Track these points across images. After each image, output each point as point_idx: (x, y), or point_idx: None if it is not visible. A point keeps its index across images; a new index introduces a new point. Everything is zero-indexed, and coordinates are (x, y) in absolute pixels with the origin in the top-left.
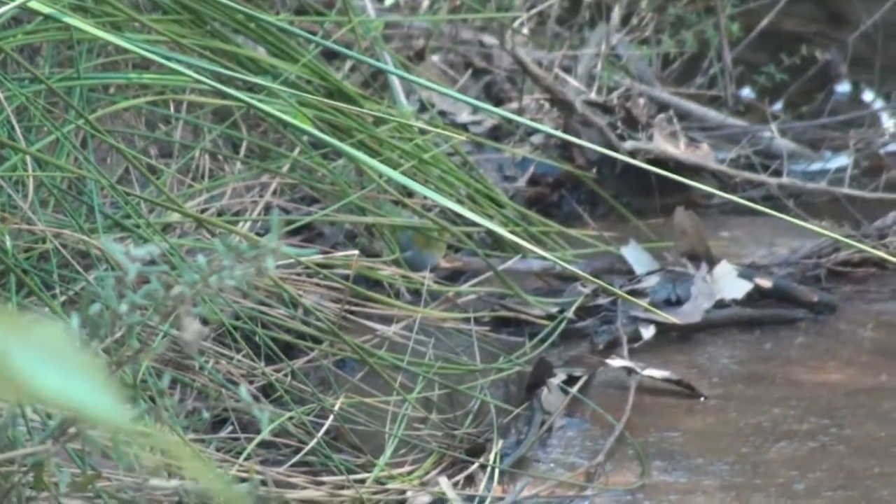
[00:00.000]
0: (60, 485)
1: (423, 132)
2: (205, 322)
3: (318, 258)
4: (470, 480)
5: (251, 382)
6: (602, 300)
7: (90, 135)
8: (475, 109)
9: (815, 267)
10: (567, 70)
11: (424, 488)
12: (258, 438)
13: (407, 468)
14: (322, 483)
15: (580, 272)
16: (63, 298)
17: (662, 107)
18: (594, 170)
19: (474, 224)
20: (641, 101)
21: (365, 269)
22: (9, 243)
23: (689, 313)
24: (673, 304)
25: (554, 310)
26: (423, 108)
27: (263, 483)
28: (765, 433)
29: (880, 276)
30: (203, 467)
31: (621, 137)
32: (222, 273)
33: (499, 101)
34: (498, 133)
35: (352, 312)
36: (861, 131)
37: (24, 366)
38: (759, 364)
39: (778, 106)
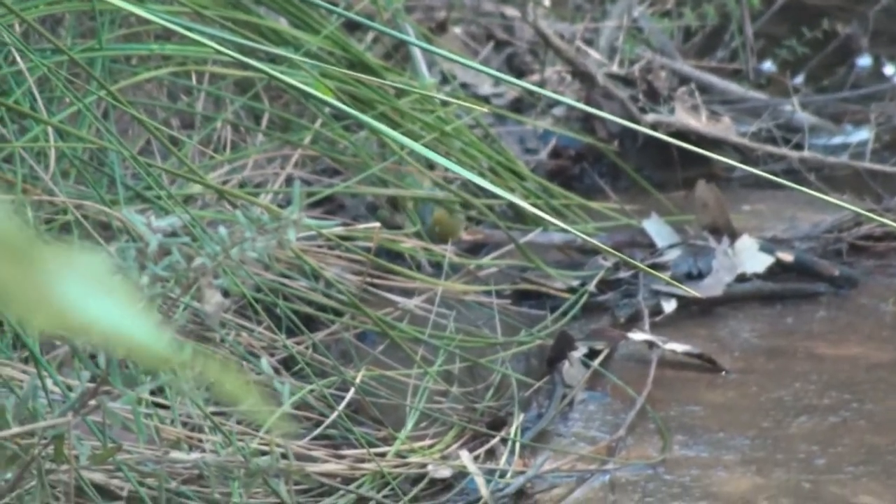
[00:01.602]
0: (81, 457)
1: (444, 104)
2: (226, 294)
3: (340, 230)
4: (491, 454)
5: (272, 355)
6: (623, 273)
7: (112, 106)
8: (497, 81)
9: (836, 241)
10: (589, 42)
11: (445, 462)
12: (279, 411)
13: (428, 441)
14: (343, 456)
15: (602, 245)
16: None
17: (684, 80)
18: (616, 143)
19: (496, 196)
20: (663, 73)
21: (386, 242)
22: (30, 214)
23: (711, 287)
24: (694, 277)
25: (575, 283)
26: (444, 80)
27: (284, 456)
28: (786, 407)
29: None
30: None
31: (643, 110)
32: (244, 245)
33: (521, 74)
34: (520, 105)
35: (373, 285)
36: (882, 105)
37: (69, 295)
38: (780, 338)
39: (799, 79)
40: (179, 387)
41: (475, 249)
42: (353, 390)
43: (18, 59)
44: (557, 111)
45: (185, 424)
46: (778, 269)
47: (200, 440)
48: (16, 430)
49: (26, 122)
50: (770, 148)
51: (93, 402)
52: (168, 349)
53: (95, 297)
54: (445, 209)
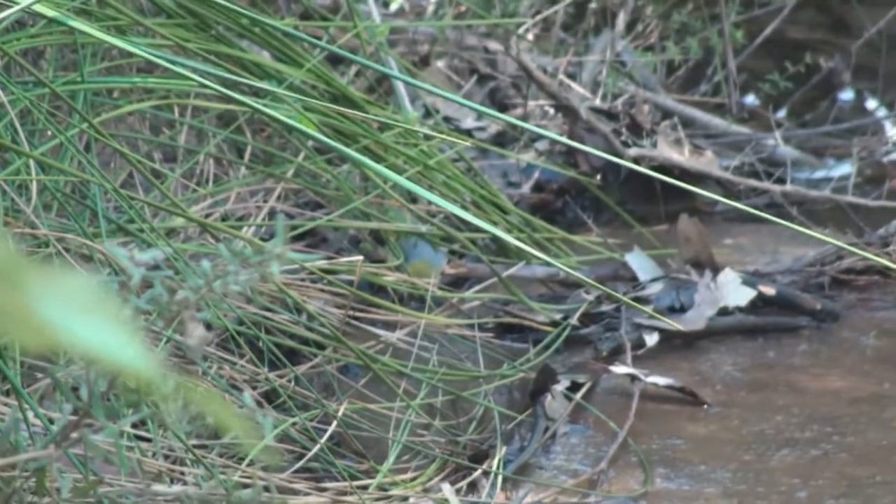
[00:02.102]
0: (62, 490)
1: (427, 138)
2: (209, 327)
3: (323, 263)
4: (473, 487)
5: (254, 388)
6: (606, 307)
7: (94, 139)
8: (480, 115)
9: (818, 275)
10: (572, 76)
11: (427, 495)
12: (261, 444)
13: (410, 474)
14: (325, 489)
15: (584, 278)
16: None
17: (667, 114)
18: (598, 176)
19: (479, 230)
20: (646, 107)
21: (369, 275)
22: (13, 247)
23: (693, 320)
24: (676, 311)
25: (558, 316)
26: (427, 113)
27: (266, 489)
28: (767, 441)
29: (883, 285)
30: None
31: (626, 144)
32: (227, 278)
33: (503, 107)
34: (502, 139)
35: (356, 318)
36: (864, 139)
37: (54, 316)
38: (762, 371)
39: (782, 113)
40: (162, 419)
41: (458, 283)
42: (335, 423)
43: (0, 92)
44: (540, 145)
45: (166, 457)
46: (760, 303)
47: (182, 472)
48: None
49: (8, 154)
50: (752, 182)
51: (75, 435)
52: (153, 371)
53: (80, 318)
54: (428, 243)
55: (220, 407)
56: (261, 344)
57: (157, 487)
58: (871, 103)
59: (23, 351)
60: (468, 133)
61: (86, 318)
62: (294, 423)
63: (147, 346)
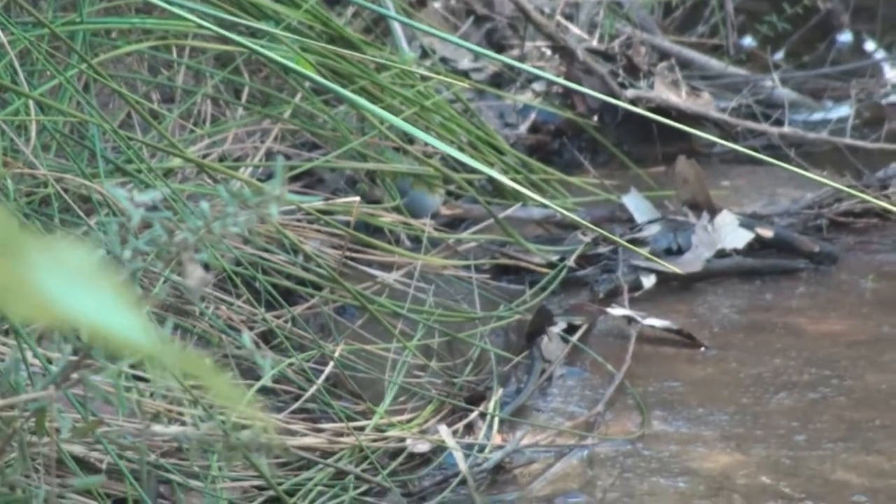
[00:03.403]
0: (62, 430)
1: (424, 79)
2: (207, 268)
3: (320, 204)
4: (469, 429)
5: (251, 328)
6: (603, 249)
7: (92, 79)
8: (476, 56)
9: (816, 217)
10: (569, 18)
11: (424, 436)
12: (258, 385)
13: (406, 416)
14: (321, 430)
15: (581, 220)
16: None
17: (664, 55)
18: (595, 118)
19: (475, 171)
20: (643, 49)
21: (366, 216)
22: (11, 187)
23: (690, 262)
24: (674, 253)
25: (554, 258)
26: (424, 54)
27: (263, 429)
28: (765, 384)
29: (882, 227)
30: (229, 387)
31: (622, 85)
32: (226, 219)
33: (500, 49)
34: (499, 80)
35: (352, 259)
36: (862, 81)
37: (53, 288)
38: (759, 314)
39: (779, 55)
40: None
41: (454, 224)
42: (331, 364)
43: (0, 32)
44: (537, 86)
45: (164, 398)
46: (757, 245)
47: (181, 413)
48: None
49: (7, 95)
50: (750, 124)
51: (75, 376)
52: (153, 345)
53: (79, 290)
54: (425, 184)
55: (220, 381)
56: (258, 285)
57: (156, 428)
58: (870, 45)
59: (22, 322)
60: (465, 74)
61: (86, 291)
62: (291, 364)
63: (146, 319)
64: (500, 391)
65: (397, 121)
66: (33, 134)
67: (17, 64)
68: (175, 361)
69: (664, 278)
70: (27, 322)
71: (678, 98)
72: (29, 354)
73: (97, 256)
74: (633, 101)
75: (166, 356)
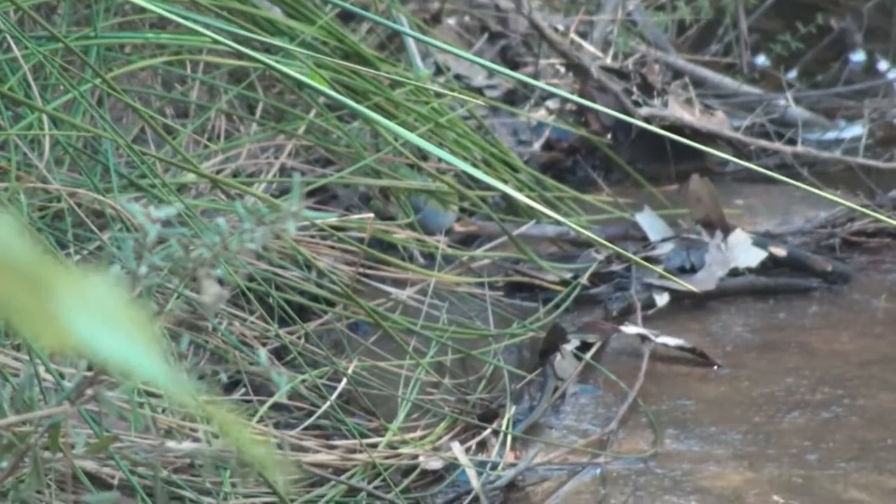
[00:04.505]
0: (76, 447)
1: (438, 95)
2: (221, 284)
3: (333, 220)
4: (482, 446)
5: (264, 345)
6: (616, 266)
7: (106, 94)
8: (491, 73)
9: (829, 236)
10: (583, 35)
11: (437, 453)
12: (271, 401)
13: (419, 433)
14: (334, 447)
15: (595, 238)
16: (77, 258)
17: (678, 73)
18: (609, 135)
19: (489, 188)
20: (657, 67)
21: (379, 232)
22: (24, 201)
23: (703, 281)
24: (687, 271)
25: (568, 275)
26: (438, 71)
27: (277, 446)
28: (778, 403)
29: (894, 247)
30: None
31: (636, 103)
32: (242, 236)
33: (514, 65)
34: (513, 97)
35: (366, 275)
36: (876, 101)
37: (78, 325)
38: (772, 333)
39: (793, 74)
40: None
41: (468, 241)
42: (345, 381)
43: (13, 46)
44: (551, 103)
45: (177, 413)
46: (771, 264)
47: (194, 429)
48: (12, 419)
49: (21, 109)
50: (763, 142)
51: (89, 392)
52: (177, 388)
53: (104, 329)
54: (439, 201)
55: (245, 434)
56: (271, 300)
57: (170, 444)
58: (883, 64)
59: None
60: (479, 91)
61: (111, 330)
62: (304, 381)
63: (171, 363)
64: (513, 409)
65: (412, 137)
66: (47, 148)
67: (30, 78)
68: (194, 402)
69: (677, 297)
70: (51, 352)
71: (692, 116)
72: (42, 370)
73: (122, 294)
74: (647, 119)
75: (185, 396)
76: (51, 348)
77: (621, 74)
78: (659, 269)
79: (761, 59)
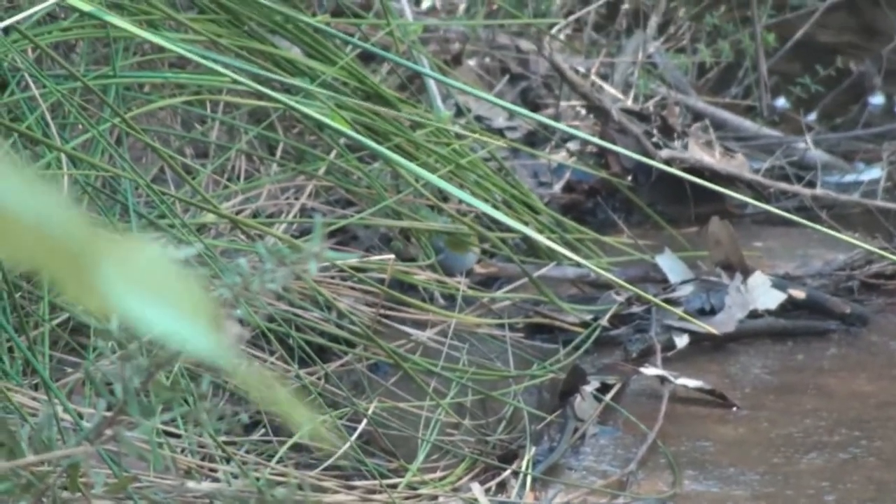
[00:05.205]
0: (96, 487)
1: (459, 136)
2: (242, 324)
3: (354, 261)
4: (502, 487)
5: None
6: (636, 308)
7: (125, 133)
8: (511, 115)
9: (847, 279)
10: (604, 77)
11: (456, 494)
12: (291, 441)
13: (439, 474)
14: (354, 487)
15: (615, 279)
16: None
17: (698, 116)
18: (629, 177)
19: (510, 229)
20: (677, 109)
21: (400, 274)
22: None
23: (723, 323)
24: (706, 313)
25: (588, 317)
26: (459, 112)
27: (298, 487)
28: (796, 444)
29: None
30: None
31: (657, 146)
32: (263, 276)
33: (535, 107)
34: (534, 139)
35: (386, 316)
36: (894, 144)
37: (125, 299)
38: (791, 375)
39: (812, 117)
40: (195, 416)
41: (488, 282)
42: (365, 421)
43: (32, 84)
44: (572, 145)
45: (196, 453)
46: (790, 306)
47: (213, 470)
48: (31, 458)
49: (39, 148)
50: (783, 185)
51: (109, 432)
52: (224, 358)
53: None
54: (459, 242)
55: (283, 390)
56: (291, 341)
57: (189, 484)
58: None
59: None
60: (499, 132)
61: (158, 301)
62: (324, 421)
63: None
64: (533, 449)
65: (432, 178)
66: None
67: (48, 117)
68: (244, 375)
69: (697, 338)
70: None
71: (712, 159)
72: (60, 409)
73: (172, 261)
74: (668, 162)
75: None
76: (95, 309)
77: (642, 116)
78: (679, 311)
79: (781, 102)
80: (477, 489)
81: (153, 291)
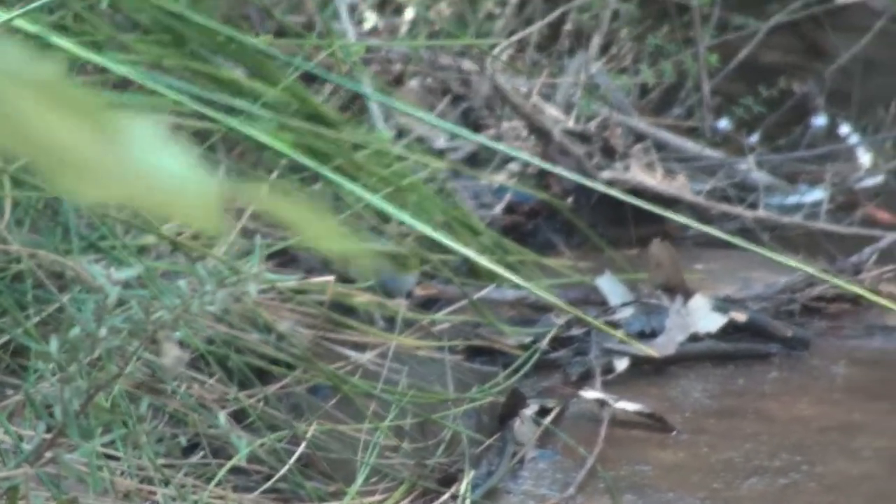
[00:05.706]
0: None
1: (400, 158)
2: (182, 346)
3: (294, 283)
4: None
5: (223, 407)
6: (576, 331)
7: None
8: (453, 136)
9: (789, 302)
10: (546, 98)
11: None
12: (230, 464)
13: (378, 497)
14: None
15: (555, 302)
16: (37, 319)
17: (640, 137)
18: (570, 199)
19: (450, 251)
20: (619, 130)
21: (340, 296)
22: None
23: (663, 346)
24: (647, 336)
25: (528, 340)
26: (400, 133)
27: None
28: (736, 469)
29: (854, 313)
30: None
31: (598, 167)
32: (203, 298)
33: (477, 128)
34: (475, 159)
35: (326, 339)
36: (837, 165)
37: (131, 152)
38: (731, 398)
39: (755, 138)
40: (134, 438)
41: (428, 304)
42: (304, 444)
43: None
44: (513, 166)
45: (136, 476)
46: (731, 329)
47: (152, 492)
48: None
49: None
50: (725, 207)
51: (49, 454)
52: (220, 206)
53: (157, 155)
54: (399, 264)
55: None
56: (230, 363)
57: None
58: (845, 129)
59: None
60: (441, 153)
61: (161, 155)
62: (263, 444)
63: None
64: (472, 473)
65: (373, 199)
66: (7, 209)
67: None
68: (262, 202)
69: (637, 362)
70: (90, 198)
71: (653, 180)
72: (0, 432)
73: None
74: (609, 183)
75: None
76: (92, 187)
77: (584, 137)
78: (619, 333)
79: (724, 123)
80: None
81: (161, 150)
